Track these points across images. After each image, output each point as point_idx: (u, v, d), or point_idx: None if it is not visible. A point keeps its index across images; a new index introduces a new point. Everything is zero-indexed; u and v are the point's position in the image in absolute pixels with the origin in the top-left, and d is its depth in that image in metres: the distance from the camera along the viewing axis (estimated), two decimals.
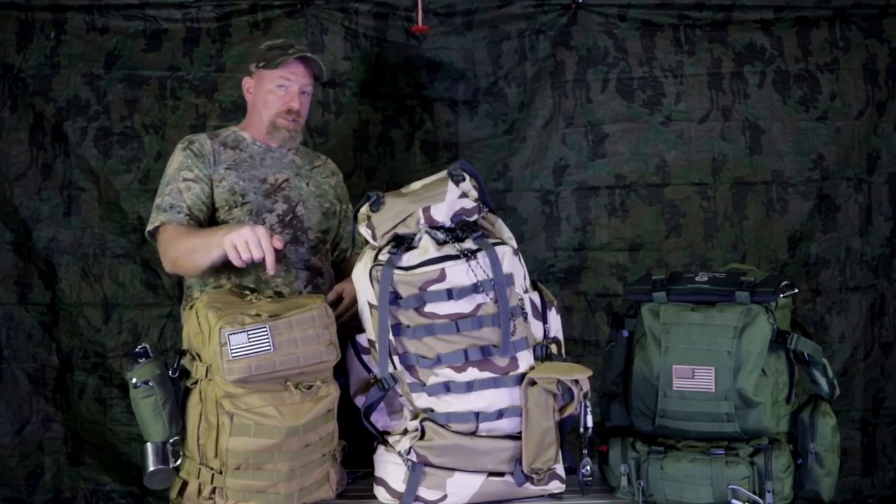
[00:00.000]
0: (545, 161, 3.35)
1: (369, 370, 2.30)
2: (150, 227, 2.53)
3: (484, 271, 2.09)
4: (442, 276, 2.09)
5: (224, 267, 2.43)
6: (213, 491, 2.09)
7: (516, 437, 2.18)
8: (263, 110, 2.63)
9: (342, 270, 2.73)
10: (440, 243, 2.13)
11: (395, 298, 2.11)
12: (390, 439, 2.25)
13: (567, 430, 2.27)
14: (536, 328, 2.22)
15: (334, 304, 2.48)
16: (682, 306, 2.24)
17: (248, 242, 2.20)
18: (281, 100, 2.60)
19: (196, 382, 2.14)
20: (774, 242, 3.33)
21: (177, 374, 2.16)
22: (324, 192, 2.71)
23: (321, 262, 2.63)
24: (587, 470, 2.25)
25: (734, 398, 2.16)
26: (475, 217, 2.20)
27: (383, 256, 2.13)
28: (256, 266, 2.42)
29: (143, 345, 2.25)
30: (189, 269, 2.45)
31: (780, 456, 2.17)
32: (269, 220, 2.56)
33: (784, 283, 2.26)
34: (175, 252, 2.43)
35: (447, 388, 2.14)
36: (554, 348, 2.24)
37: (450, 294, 2.09)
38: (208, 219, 2.53)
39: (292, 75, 2.60)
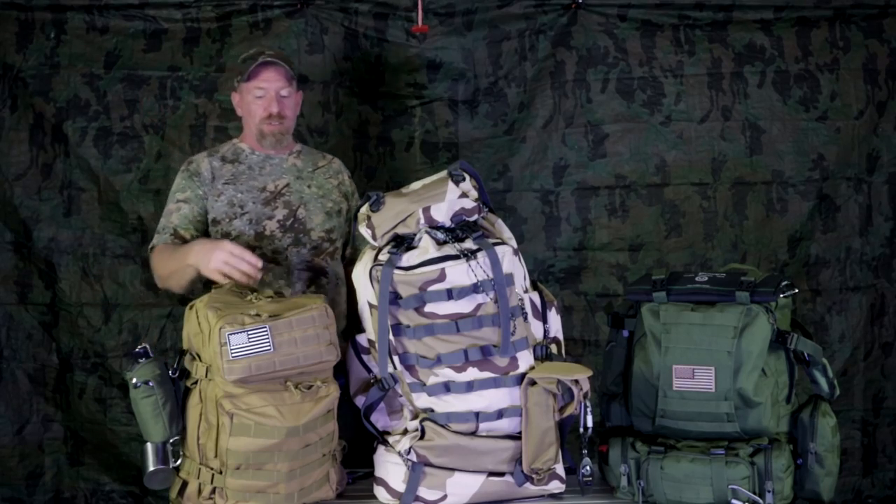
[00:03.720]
0: (545, 161, 3.35)
1: (369, 370, 2.30)
2: (148, 252, 2.67)
3: (484, 271, 2.09)
4: (442, 276, 2.09)
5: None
6: (213, 491, 2.10)
7: (516, 437, 2.18)
8: (250, 120, 2.72)
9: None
10: (440, 243, 2.13)
11: (395, 298, 2.11)
12: (390, 439, 2.25)
13: (567, 430, 2.26)
14: (536, 328, 2.22)
15: None
16: (682, 306, 2.24)
17: (228, 263, 2.31)
18: (261, 107, 2.68)
19: (196, 382, 2.14)
20: (774, 242, 3.33)
21: (177, 374, 2.17)
22: (327, 191, 2.73)
23: (325, 262, 2.65)
24: (587, 470, 2.25)
25: (734, 398, 2.16)
26: (475, 217, 2.20)
27: (383, 256, 2.13)
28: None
29: (143, 345, 2.25)
30: (177, 289, 2.61)
31: (780, 456, 2.17)
32: (269, 226, 2.62)
33: (784, 283, 2.26)
34: (160, 273, 2.59)
35: (447, 388, 2.14)
36: (554, 348, 2.24)
37: (450, 294, 2.09)
38: (198, 235, 2.62)
39: (265, 82, 2.67)
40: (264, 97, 2.66)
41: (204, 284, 2.54)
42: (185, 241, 2.57)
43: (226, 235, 2.60)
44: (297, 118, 2.79)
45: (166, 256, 2.54)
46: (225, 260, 2.31)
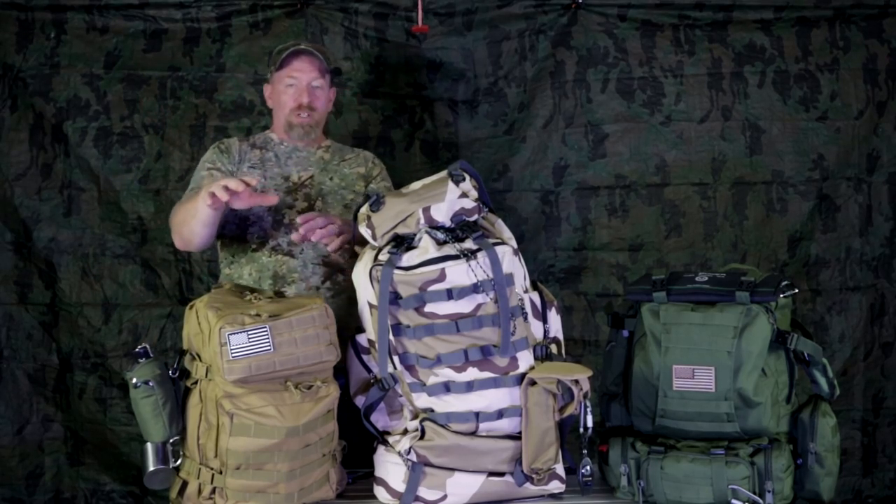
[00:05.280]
0: (545, 161, 3.35)
1: (369, 370, 2.30)
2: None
3: (484, 271, 2.09)
4: (442, 276, 2.09)
5: (238, 244, 2.58)
6: (213, 491, 2.10)
7: (516, 437, 2.18)
8: (280, 111, 2.71)
9: None
10: (440, 243, 2.13)
11: (395, 298, 2.11)
12: (390, 439, 2.25)
13: (567, 430, 2.26)
14: (536, 328, 2.22)
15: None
16: (682, 306, 2.24)
17: (220, 188, 2.23)
18: (291, 97, 2.67)
19: (196, 382, 2.14)
20: (774, 242, 3.33)
21: (177, 374, 2.17)
22: (349, 183, 2.72)
23: (342, 258, 2.62)
24: (587, 470, 2.25)
25: (734, 398, 2.16)
26: (475, 217, 2.20)
27: (383, 256, 2.13)
28: (274, 251, 2.59)
29: (143, 345, 2.25)
30: (190, 238, 2.50)
31: (780, 456, 2.17)
32: (288, 215, 2.62)
33: (784, 283, 2.26)
34: (173, 222, 2.53)
35: (447, 388, 2.14)
36: (554, 348, 2.24)
37: (450, 294, 2.09)
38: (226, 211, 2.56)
39: (297, 72, 2.66)
40: (295, 86, 2.66)
41: (219, 237, 2.57)
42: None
43: (244, 220, 2.59)
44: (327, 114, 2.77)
45: (183, 203, 2.52)
46: (223, 184, 2.24)
